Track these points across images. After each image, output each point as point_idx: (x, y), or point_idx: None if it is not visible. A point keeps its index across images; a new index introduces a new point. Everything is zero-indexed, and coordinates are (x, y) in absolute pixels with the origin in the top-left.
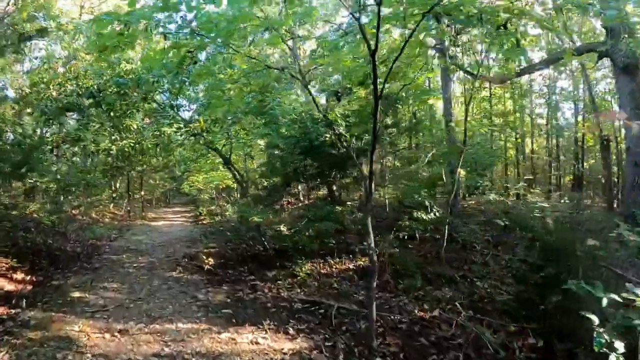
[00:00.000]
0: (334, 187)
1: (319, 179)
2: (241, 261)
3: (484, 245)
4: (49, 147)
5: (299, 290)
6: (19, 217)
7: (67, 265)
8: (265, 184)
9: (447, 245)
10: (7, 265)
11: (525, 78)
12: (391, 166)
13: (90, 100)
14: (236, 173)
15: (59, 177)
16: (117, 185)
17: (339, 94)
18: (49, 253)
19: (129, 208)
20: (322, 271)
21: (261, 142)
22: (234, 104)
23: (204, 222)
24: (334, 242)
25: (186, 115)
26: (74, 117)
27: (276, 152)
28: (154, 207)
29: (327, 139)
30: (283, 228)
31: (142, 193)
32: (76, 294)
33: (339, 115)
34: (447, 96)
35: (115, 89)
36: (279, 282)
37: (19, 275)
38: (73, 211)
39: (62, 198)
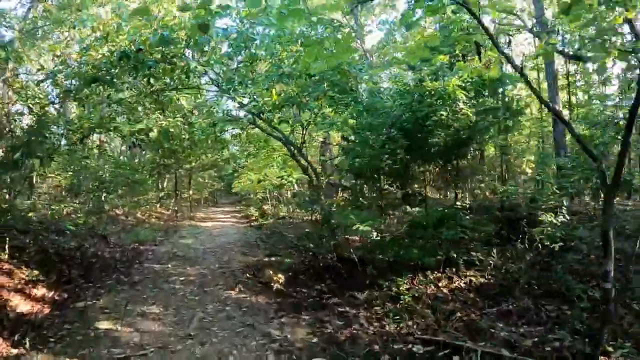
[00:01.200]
0: (411, 183)
1: (413, 170)
2: (314, 275)
3: (598, 253)
4: (77, 136)
5: (410, 323)
6: (46, 219)
7: (100, 276)
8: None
9: (562, 255)
10: (26, 278)
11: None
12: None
13: (124, 64)
14: (308, 166)
15: (100, 173)
16: (165, 184)
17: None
18: (82, 260)
19: (176, 208)
20: (427, 291)
21: (319, 135)
22: (337, 55)
23: (257, 222)
24: (455, 254)
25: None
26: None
27: (354, 139)
28: (202, 206)
29: (442, 117)
30: (375, 235)
31: (191, 192)
32: (105, 324)
33: (457, 87)
34: (551, 80)
35: (157, 48)
36: (376, 308)
37: (39, 291)
38: (116, 211)
39: (103, 197)
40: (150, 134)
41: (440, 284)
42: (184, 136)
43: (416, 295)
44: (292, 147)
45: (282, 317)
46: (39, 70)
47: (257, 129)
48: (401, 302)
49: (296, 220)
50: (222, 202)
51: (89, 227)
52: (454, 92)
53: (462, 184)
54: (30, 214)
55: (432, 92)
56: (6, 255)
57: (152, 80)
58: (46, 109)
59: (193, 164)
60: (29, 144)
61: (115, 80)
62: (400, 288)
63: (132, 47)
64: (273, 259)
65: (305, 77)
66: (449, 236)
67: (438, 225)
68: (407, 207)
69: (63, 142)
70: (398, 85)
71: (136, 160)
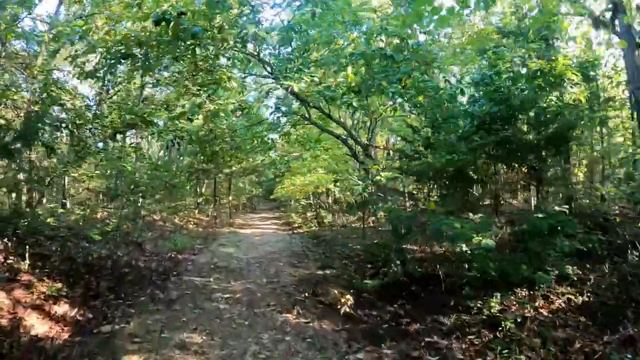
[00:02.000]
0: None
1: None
2: (382, 294)
3: None
4: (109, 132)
5: (521, 357)
6: (75, 224)
7: (133, 291)
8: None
9: None
10: (47, 292)
11: None
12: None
13: (162, 33)
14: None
15: (137, 176)
16: (203, 189)
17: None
18: (113, 271)
19: (215, 214)
20: (525, 314)
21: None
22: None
23: (300, 230)
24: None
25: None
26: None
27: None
28: (240, 212)
29: (552, 103)
30: (464, 247)
31: (230, 198)
32: (134, 359)
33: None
34: (633, 70)
35: (204, 15)
36: (471, 337)
37: (60, 308)
38: (154, 216)
39: (140, 202)
40: (194, 122)
41: (538, 305)
42: (227, 138)
43: (518, 320)
44: (354, 146)
45: (357, 350)
46: (54, 37)
47: (305, 127)
48: (500, 329)
49: (343, 227)
50: (260, 208)
51: (124, 233)
52: (563, 72)
53: (547, 186)
54: (49, 220)
55: (538, 73)
56: (26, 265)
57: (198, 51)
58: (53, 87)
59: (233, 168)
60: (27, 128)
61: (150, 57)
62: (492, 310)
63: (172, 11)
64: (327, 272)
65: (380, 57)
66: (565, 248)
67: (550, 235)
68: (470, 214)
69: (93, 140)
70: (496, 62)
71: (174, 166)
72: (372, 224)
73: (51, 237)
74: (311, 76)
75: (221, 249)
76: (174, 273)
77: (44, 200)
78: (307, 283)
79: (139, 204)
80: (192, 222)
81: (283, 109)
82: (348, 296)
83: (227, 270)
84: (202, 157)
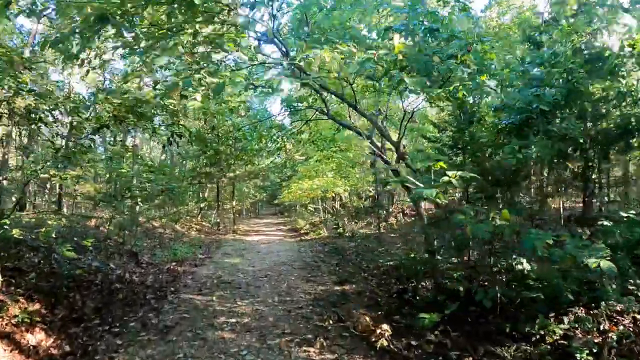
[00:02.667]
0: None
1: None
2: (414, 316)
3: None
4: (90, 127)
5: None
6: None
7: (122, 313)
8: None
9: None
10: (20, 316)
11: None
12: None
13: None
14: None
15: (133, 181)
16: (206, 194)
17: None
18: (102, 288)
19: (218, 220)
20: (594, 340)
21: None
22: None
23: (307, 237)
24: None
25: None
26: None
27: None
28: (244, 218)
29: (632, 88)
30: (525, 264)
31: (234, 203)
32: None
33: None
34: None
35: None
36: None
37: (35, 336)
38: (154, 223)
39: (137, 208)
40: (190, 102)
41: (602, 327)
42: (231, 137)
43: (594, 351)
44: (379, 143)
45: None
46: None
47: (319, 124)
48: None
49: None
50: (262, 213)
51: (119, 243)
52: None
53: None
54: (14, 232)
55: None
56: None
57: (196, 1)
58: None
59: (237, 172)
60: None
61: (135, 18)
62: (555, 337)
63: None
64: (347, 287)
65: (424, 32)
66: None
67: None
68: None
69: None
70: (563, 39)
71: (177, 170)
72: (383, 230)
73: (35, 248)
74: (347, 45)
75: (225, 260)
76: (172, 290)
77: (34, 205)
78: (325, 302)
79: (136, 210)
80: (194, 229)
81: (295, 99)
82: (385, 326)
83: (232, 286)
84: (204, 160)
